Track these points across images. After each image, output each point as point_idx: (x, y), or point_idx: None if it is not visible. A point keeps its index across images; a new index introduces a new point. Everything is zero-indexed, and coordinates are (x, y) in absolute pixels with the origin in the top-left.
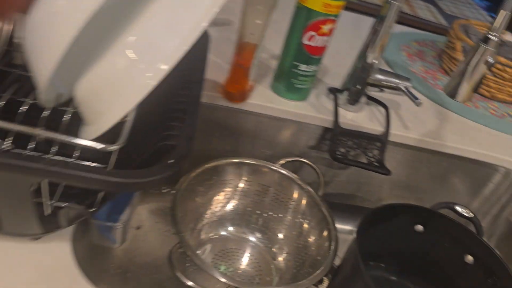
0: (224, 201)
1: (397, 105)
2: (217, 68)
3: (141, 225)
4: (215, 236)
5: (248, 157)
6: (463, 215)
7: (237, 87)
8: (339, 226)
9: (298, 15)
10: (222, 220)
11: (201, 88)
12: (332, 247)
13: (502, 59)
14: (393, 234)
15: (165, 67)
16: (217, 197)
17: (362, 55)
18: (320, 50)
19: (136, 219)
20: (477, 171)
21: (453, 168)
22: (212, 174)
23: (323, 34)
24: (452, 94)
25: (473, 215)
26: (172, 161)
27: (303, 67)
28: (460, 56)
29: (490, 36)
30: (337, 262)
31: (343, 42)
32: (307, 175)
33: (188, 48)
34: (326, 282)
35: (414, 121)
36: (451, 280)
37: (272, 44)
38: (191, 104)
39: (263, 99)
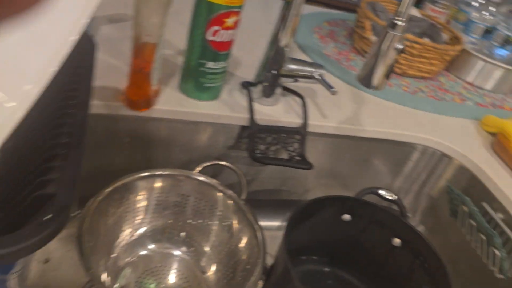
0: (140, 219)
1: (314, 93)
2: (117, 72)
3: (50, 258)
4: (134, 258)
5: (161, 168)
6: (387, 198)
7: (140, 93)
8: (268, 223)
9: (199, 10)
10: (141, 238)
11: (86, 113)
12: (261, 253)
13: (410, 36)
14: (322, 226)
15: (31, 92)
16: (131, 216)
17: (274, 41)
18: (227, 45)
19: (43, 251)
20: (396, 151)
21: (373, 151)
22: (123, 192)
23: (228, 28)
24: (366, 83)
25: (396, 197)
26: (50, 216)
27: (210, 64)
28: (370, 35)
29: (396, 21)
30: (272, 260)
31: (253, 29)
32: (229, 177)
33: (57, 68)
34: (260, 284)
35: (332, 108)
36: (381, 264)
37: (177, 38)
38: (74, 135)
39: (172, 103)
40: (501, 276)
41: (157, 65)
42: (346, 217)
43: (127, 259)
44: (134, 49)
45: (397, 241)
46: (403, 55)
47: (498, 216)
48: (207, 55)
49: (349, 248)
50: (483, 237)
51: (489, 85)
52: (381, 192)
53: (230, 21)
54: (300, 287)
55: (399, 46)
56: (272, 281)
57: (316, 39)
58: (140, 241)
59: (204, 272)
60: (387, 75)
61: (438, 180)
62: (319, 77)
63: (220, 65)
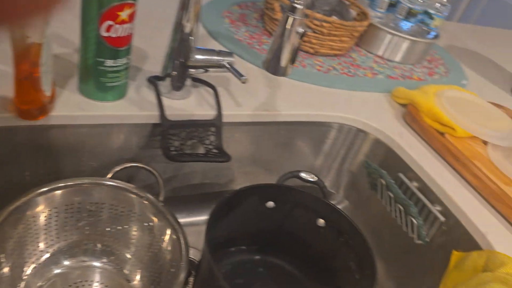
0: (50, 237)
1: (227, 82)
2: (4, 78)
3: None
4: (49, 280)
5: (70, 178)
6: (308, 180)
7: (30, 101)
8: (194, 218)
9: (88, 4)
10: (54, 257)
11: None
12: (183, 255)
13: (318, 15)
14: (247, 216)
15: None
16: (35, 237)
17: (177, 30)
18: (125, 40)
19: None
20: (314, 131)
21: (292, 134)
22: (24, 212)
23: (123, 22)
24: (272, 70)
25: (316, 178)
26: None
27: (109, 62)
28: (280, 17)
29: (295, 4)
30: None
31: (158, 18)
32: (147, 178)
33: None
34: (191, 281)
35: (246, 96)
36: (308, 245)
37: (72, 34)
38: None
39: (72, 107)
40: (420, 242)
41: (48, 67)
42: (270, 204)
43: (39, 284)
44: (15, 53)
45: (321, 221)
46: (314, 34)
47: (413, 185)
48: (104, 52)
49: (277, 234)
50: (401, 207)
51: (398, 57)
52: (302, 174)
53: (124, 14)
54: (224, 285)
55: (301, 30)
56: (199, 277)
57: (227, 24)
58: (53, 260)
59: (129, 281)
60: (292, 60)
61: (356, 155)
62: (229, 66)
63: (120, 62)
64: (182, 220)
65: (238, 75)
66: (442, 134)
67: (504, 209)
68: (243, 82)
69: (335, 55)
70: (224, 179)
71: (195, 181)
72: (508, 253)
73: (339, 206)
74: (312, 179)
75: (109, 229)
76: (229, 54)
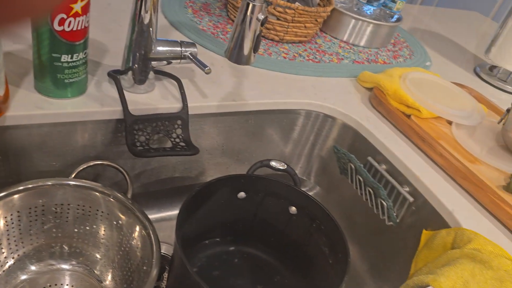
0: (14, 242)
1: (192, 73)
2: None
3: None
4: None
5: (30, 180)
6: (279, 168)
7: None
8: (166, 213)
9: None
10: (20, 262)
11: None
12: (155, 249)
13: (281, 2)
14: (219, 208)
15: None
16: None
17: (135, 21)
18: (81, 33)
19: None
20: (282, 119)
21: (261, 123)
22: None
23: (77, 15)
24: (235, 59)
25: (286, 166)
26: None
27: (66, 58)
28: None
29: None
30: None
31: (119, 9)
32: (115, 176)
33: None
34: (165, 276)
35: (212, 86)
36: (282, 233)
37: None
38: None
39: (28, 107)
40: (391, 223)
41: None
42: (242, 194)
43: None
44: None
45: (293, 209)
46: (278, 22)
47: (382, 168)
48: (59, 48)
49: (250, 224)
50: (371, 190)
51: (363, 41)
52: (272, 163)
53: (77, 6)
54: (197, 280)
55: (262, 16)
56: (173, 273)
57: (190, 14)
58: (19, 266)
59: (101, 281)
60: (255, 48)
61: (325, 141)
62: (192, 57)
63: (78, 56)
64: (154, 215)
65: (202, 66)
66: (408, 116)
67: (469, 186)
68: (207, 73)
69: (301, 42)
70: (195, 172)
71: (165, 176)
72: (475, 229)
73: (311, 192)
74: (282, 167)
75: (76, 230)
76: (192, 44)
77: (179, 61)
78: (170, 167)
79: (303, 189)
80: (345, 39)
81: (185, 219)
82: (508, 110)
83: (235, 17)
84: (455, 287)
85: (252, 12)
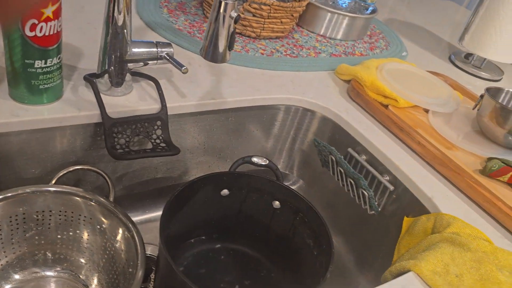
0: None
1: (171, 74)
2: None
3: None
4: None
5: (9, 189)
6: (260, 164)
7: None
8: (151, 214)
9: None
10: (3, 272)
11: None
12: (139, 251)
13: None
14: (203, 206)
15: None
16: None
17: (108, 24)
18: (53, 38)
19: None
20: (262, 115)
21: (241, 120)
22: None
23: (49, 19)
24: (210, 57)
25: (268, 161)
26: None
27: (39, 63)
28: None
29: None
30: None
31: (95, 12)
32: (96, 180)
33: None
34: (152, 277)
35: (190, 86)
36: (267, 228)
37: None
38: None
39: (3, 114)
40: (373, 212)
41: None
42: (225, 192)
43: None
44: None
45: (276, 203)
46: (254, 18)
47: (362, 158)
48: (32, 53)
49: (235, 220)
50: (352, 181)
51: (339, 34)
52: (254, 159)
53: (48, 11)
54: (183, 279)
55: (235, 14)
56: (159, 274)
57: (166, 14)
58: (2, 276)
59: (87, 286)
60: (230, 45)
61: (305, 135)
62: (168, 57)
63: (52, 62)
64: (138, 217)
65: (179, 65)
66: (385, 106)
67: (447, 172)
68: (184, 73)
69: (278, 38)
70: (177, 172)
71: (148, 177)
72: (453, 214)
73: (294, 186)
74: (264, 163)
75: (59, 236)
76: (168, 45)
77: (155, 62)
78: (152, 168)
79: (286, 183)
80: (322, 33)
81: (169, 219)
82: (481, 96)
83: None
84: (435, 271)
85: (225, 10)
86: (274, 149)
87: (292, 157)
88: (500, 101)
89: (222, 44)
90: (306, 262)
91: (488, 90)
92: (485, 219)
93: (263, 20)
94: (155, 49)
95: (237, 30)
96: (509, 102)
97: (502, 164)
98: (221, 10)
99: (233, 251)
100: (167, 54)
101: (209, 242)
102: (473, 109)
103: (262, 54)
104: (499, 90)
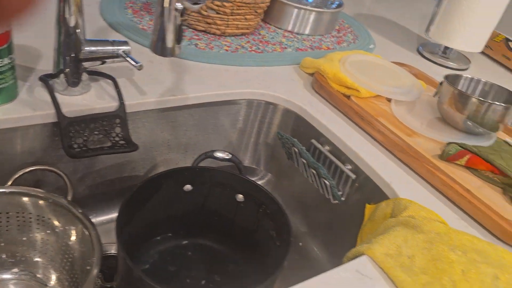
0: None
1: (131, 72)
2: None
3: None
4: None
5: None
6: (223, 158)
7: None
8: (115, 214)
9: None
10: None
11: None
12: (96, 248)
13: None
14: (166, 202)
15: None
16: None
17: (60, 24)
18: (3, 38)
19: None
20: (226, 110)
21: (205, 115)
22: None
23: None
24: (159, 51)
25: (231, 155)
26: None
27: None
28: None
29: None
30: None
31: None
32: (56, 181)
33: None
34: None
35: (152, 83)
36: (232, 222)
37: None
38: None
39: None
40: (336, 202)
41: None
42: (188, 187)
43: None
44: None
45: (240, 196)
46: (218, 15)
47: (325, 149)
48: None
49: (200, 216)
50: (314, 171)
51: (307, 30)
52: (216, 154)
53: None
54: (140, 275)
55: (180, 6)
56: (119, 272)
57: (130, 15)
58: None
59: (45, 285)
60: (178, 39)
61: (270, 128)
62: (124, 55)
63: (2, 62)
64: (104, 217)
65: (134, 62)
66: (348, 97)
67: (406, 158)
68: (139, 69)
69: (243, 34)
70: (143, 170)
71: (112, 176)
72: (412, 198)
73: (263, 180)
74: (227, 157)
75: (16, 237)
76: (124, 42)
77: (113, 60)
78: (115, 167)
79: (254, 178)
80: (290, 28)
81: (130, 217)
82: (441, 83)
83: None
84: (388, 253)
85: (169, 4)
86: (240, 144)
87: (258, 151)
88: (459, 87)
89: (169, 38)
90: (270, 253)
91: (447, 77)
92: (443, 202)
93: (226, 17)
94: (110, 47)
95: (201, 28)
96: (468, 88)
97: (459, 148)
98: (165, 4)
99: (200, 247)
100: (123, 51)
101: (175, 239)
102: (434, 96)
103: (227, 50)
104: (458, 77)
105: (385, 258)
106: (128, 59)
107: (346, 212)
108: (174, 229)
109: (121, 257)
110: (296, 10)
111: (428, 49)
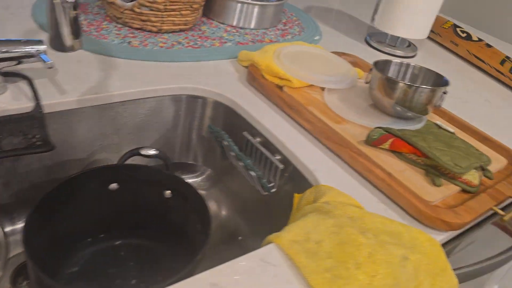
0: None
1: (54, 71)
2: None
3: None
4: None
5: None
6: (150, 154)
7: None
8: None
9: None
10: None
11: None
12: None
13: None
14: (92, 203)
15: None
16: None
17: None
18: None
19: None
20: (156, 106)
21: (134, 113)
22: None
23: None
24: (58, 47)
25: (157, 151)
26: None
27: None
28: (116, 0)
29: None
30: None
31: None
32: None
33: None
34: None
35: (76, 83)
36: (160, 217)
37: None
38: None
39: None
40: (266, 193)
41: None
42: (114, 186)
43: None
44: None
45: (167, 192)
46: (152, 12)
47: (256, 141)
48: None
49: (130, 214)
50: (241, 163)
51: (252, 24)
52: (143, 151)
53: None
54: (48, 280)
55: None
56: (31, 278)
57: None
58: None
59: None
60: (76, 34)
61: (202, 122)
62: (36, 53)
63: None
64: None
65: (44, 60)
66: (281, 88)
67: (332, 145)
68: (50, 67)
69: (182, 30)
70: (75, 171)
71: (41, 179)
72: (335, 185)
73: (203, 176)
74: (153, 153)
75: None
76: (39, 42)
77: (27, 59)
78: (44, 170)
79: (193, 174)
80: (234, 23)
81: (45, 222)
82: (371, 70)
83: (111, 13)
84: (296, 239)
85: None
86: (175, 139)
87: (194, 146)
88: (390, 73)
89: (66, 32)
90: (198, 247)
91: (376, 63)
92: (364, 186)
93: (160, 13)
94: (24, 47)
95: (137, 26)
96: (399, 73)
97: (383, 132)
98: None
99: (133, 246)
100: (37, 50)
101: (108, 240)
102: (366, 83)
103: (162, 47)
104: (387, 62)
105: (291, 244)
106: (40, 58)
107: (280, 203)
108: (106, 230)
109: (30, 266)
110: (239, 4)
111: (376, 39)
